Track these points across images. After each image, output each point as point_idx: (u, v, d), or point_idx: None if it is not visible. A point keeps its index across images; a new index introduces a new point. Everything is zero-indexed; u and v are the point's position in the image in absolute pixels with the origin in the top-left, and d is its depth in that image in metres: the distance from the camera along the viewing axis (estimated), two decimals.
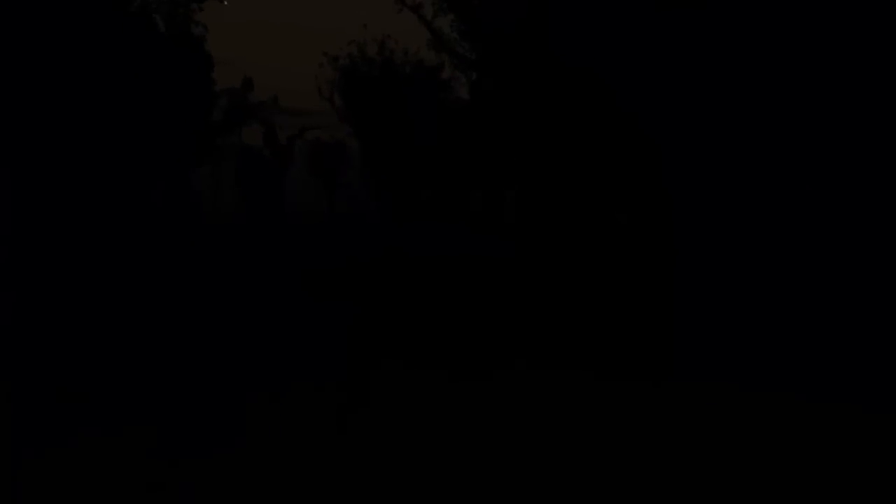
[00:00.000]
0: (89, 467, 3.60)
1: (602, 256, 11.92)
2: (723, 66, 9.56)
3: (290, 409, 4.74)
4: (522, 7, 9.84)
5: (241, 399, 5.02)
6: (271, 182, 21.42)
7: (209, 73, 15.34)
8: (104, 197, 13.48)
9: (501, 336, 7.09)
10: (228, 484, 3.49)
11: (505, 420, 4.47)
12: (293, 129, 23.54)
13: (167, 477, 3.46)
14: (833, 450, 3.87)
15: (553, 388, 5.38)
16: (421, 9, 10.66)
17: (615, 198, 11.38)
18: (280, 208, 21.43)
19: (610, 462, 3.69)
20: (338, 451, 3.93)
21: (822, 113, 9.47)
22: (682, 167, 10.39)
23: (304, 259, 12.93)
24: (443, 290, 9.60)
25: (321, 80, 15.38)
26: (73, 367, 5.84)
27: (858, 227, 9.69)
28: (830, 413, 4.54)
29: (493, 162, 15.43)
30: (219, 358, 6.25)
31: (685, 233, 10.68)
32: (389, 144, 15.62)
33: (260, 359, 6.17)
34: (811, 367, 5.85)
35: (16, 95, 11.46)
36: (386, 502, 3.31)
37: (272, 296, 9.04)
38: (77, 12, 11.89)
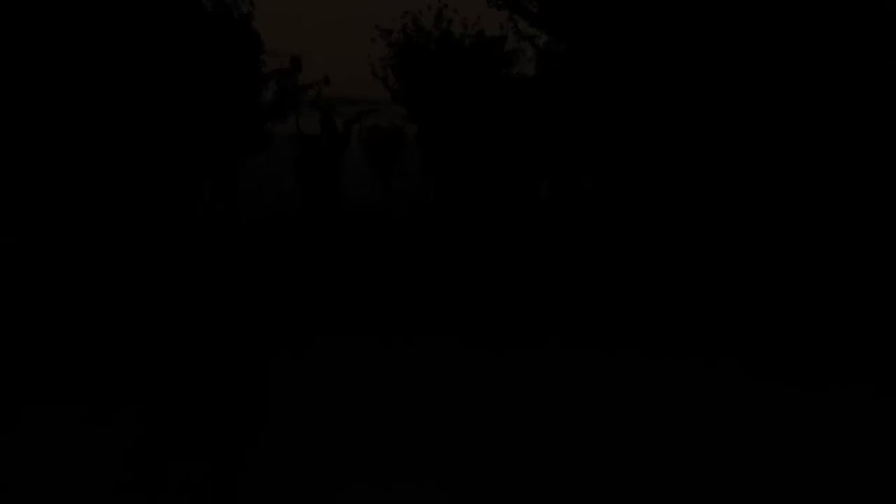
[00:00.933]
0: None
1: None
2: None
3: None
4: None
5: None
6: (328, 170, 20.42)
7: (258, 54, 14.41)
8: (140, 191, 12.80)
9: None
10: None
11: None
12: (350, 114, 22.22)
13: None
14: None
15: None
16: None
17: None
18: (336, 198, 20.41)
19: None
20: None
21: None
22: None
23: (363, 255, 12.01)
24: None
25: (374, 57, 14.11)
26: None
27: None
28: None
29: (565, 146, 13.73)
30: None
31: None
32: (447, 127, 14.19)
33: None
34: None
35: (39, 88, 10.81)
36: None
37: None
38: None
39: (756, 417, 4.71)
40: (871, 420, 4.61)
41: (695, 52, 8.65)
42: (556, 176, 16.17)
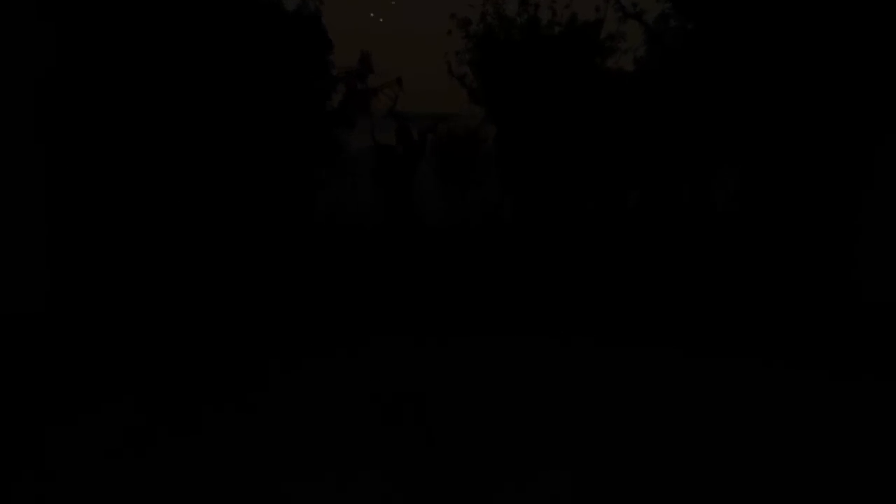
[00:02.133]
0: None
1: None
2: None
3: None
4: None
5: None
6: (403, 180, 19.35)
7: (326, 54, 13.43)
8: (210, 200, 12.05)
9: None
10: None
11: None
12: (425, 123, 21.26)
13: None
14: None
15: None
16: None
17: None
18: (411, 208, 19.28)
19: None
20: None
21: None
22: None
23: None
24: None
25: (450, 54, 12.74)
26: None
27: None
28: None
29: (674, 148, 11.84)
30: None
31: None
32: (529, 128, 12.63)
33: None
34: None
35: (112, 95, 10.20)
36: None
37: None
38: None
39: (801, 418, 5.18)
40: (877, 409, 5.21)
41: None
42: (651, 183, 14.21)
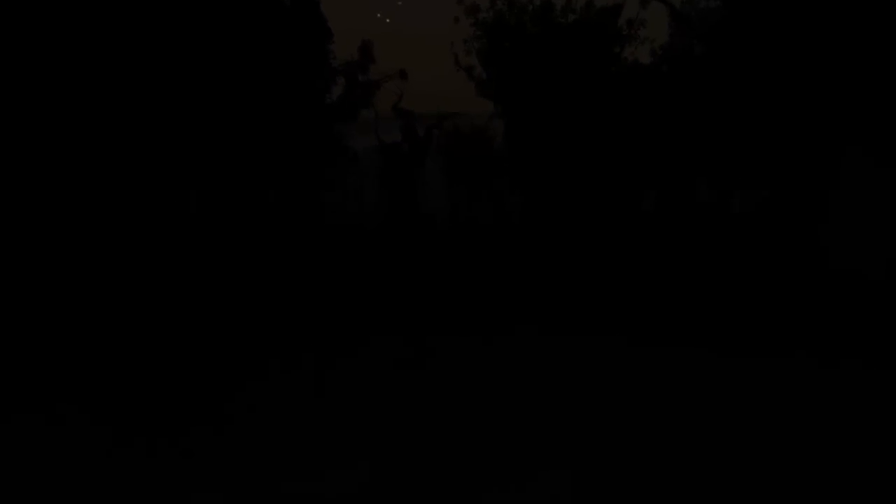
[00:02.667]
0: None
1: None
2: None
3: None
4: None
5: None
6: (408, 179, 18.66)
7: (325, 43, 12.70)
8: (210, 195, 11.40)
9: None
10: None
11: None
12: (431, 120, 20.55)
13: None
14: None
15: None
16: None
17: None
18: (416, 207, 18.61)
19: None
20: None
21: None
22: None
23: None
24: None
25: (457, 45, 11.98)
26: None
27: None
28: None
29: (686, 150, 11.05)
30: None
31: None
32: (541, 123, 11.86)
33: None
34: None
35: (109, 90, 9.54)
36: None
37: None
38: None
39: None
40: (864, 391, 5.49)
41: None
42: (669, 184, 13.41)
